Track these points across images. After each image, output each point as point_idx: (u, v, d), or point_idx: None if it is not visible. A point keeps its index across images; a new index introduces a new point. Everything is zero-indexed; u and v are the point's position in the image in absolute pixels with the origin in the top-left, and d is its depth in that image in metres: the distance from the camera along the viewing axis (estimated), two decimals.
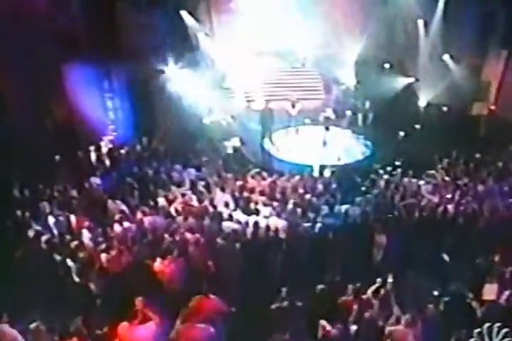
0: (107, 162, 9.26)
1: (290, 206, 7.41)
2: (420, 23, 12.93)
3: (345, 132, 12.35)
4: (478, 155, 9.77)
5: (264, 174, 8.78)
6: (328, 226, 6.90)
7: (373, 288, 4.75)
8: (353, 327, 4.39)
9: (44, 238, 6.43)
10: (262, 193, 8.05)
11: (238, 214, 7.19)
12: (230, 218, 7.03)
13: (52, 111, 10.22)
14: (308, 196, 7.80)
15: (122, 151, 9.71)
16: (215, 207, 7.35)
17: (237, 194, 7.87)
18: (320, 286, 4.88)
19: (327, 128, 11.84)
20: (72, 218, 7.04)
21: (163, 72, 11.38)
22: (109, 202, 7.51)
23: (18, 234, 6.64)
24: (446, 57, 12.76)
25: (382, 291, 4.64)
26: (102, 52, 10.14)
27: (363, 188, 8.27)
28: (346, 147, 11.56)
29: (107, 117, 11.25)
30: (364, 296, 4.66)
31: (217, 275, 6.09)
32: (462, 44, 12.33)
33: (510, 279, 5.08)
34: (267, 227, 6.73)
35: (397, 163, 9.67)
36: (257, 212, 7.21)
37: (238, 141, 11.06)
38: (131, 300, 5.24)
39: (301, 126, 12.33)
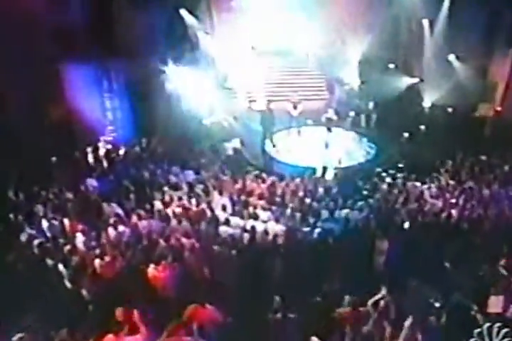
0: (105, 163, 9.12)
1: (289, 210, 7.24)
2: (425, 22, 12.71)
3: (348, 134, 12.14)
4: (483, 158, 9.59)
5: (264, 176, 8.60)
6: (328, 231, 6.72)
7: (373, 300, 4.54)
8: None
9: (36, 242, 6.28)
10: (260, 197, 7.87)
11: (235, 219, 7.02)
12: (227, 222, 6.85)
13: (50, 112, 10.09)
14: (308, 200, 7.62)
15: (120, 152, 9.57)
16: (212, 210, 7.19)
17: (235, 197, 7.70)
18: (316, 298, 4.68)
19: (329, 130, 11.63)
20: (66, 222, 6.90)
21: (163, 71, 11.23)
22: (105, 205, 7.37)
23: (9, 237, 6.49)
24: (451, 57, 12.57)
25: (381, 303, 4.44)
26: (101, 51, 10.02)
27: (365, 192, 8.06)
28: (348, 149, 11.37)
29: (105, 117, 11.10)
30: (362, 309, 4.47)
31: (212, 283, 5.92)
32: (468, 44, 12.09)
33: None
34: (265, 232, 6.56)
35: (400, 166, 9.45)
36: (255, 217, 7.05)
37: (238, 142, 10.88)
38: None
39: (303, 128, 12.13)
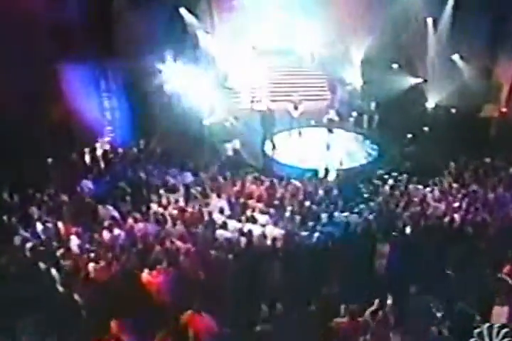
0: (101, 165, 9.00)
1: (288, 213, 7.09)
2: (429, 21, 12.51)
3: (350, 135, 11.97)
4: (488, 160, 9.39)
5: (263, 178, 8.45)
6: (327, 235, 6.56)
7: (371, 309, 4.38)
8: None
9: (28, 245, 6.17)
10: (259, 199, 7.73)
11: (233, 222, 6.88)
12: (225, 226, 6.71)
13: (48, 112, 9.97)
14: (307, 203, 7.47)
15: (118, 153, 9.44)
16: (209, 213, 7.05)
17: (233, 200, 7.56)
18: (312, 307, 4.52)
19: (330, 131, 11.46)
20: (60, 225, 6.78)
21: (162, 71, 11.09)
22: (100, 207, 7.24)
23: (2, 240, 6.38)
24: (455, 57, 12.37)
25: (380, 313, 4.27)
26: (99, 50, 9.91)
27: (366, 195, 7.89)
28: (350, 150, 11.20)
29: (104, 118, 10.98)
30: (360, 319, 4.31)
31: (208, 289, 5.77)
32: (472, 44, 11.89)
33: None
34: (263, 236, 6.42)
35: (402, 168, 9.27)
36: (253, 220, 6.90)
37: (238, 143, 10.74)
38: (116, 314, 5.00)
39: (304, 128, 11.97)
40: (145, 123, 10.83)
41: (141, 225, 6.76)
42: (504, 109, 12.55)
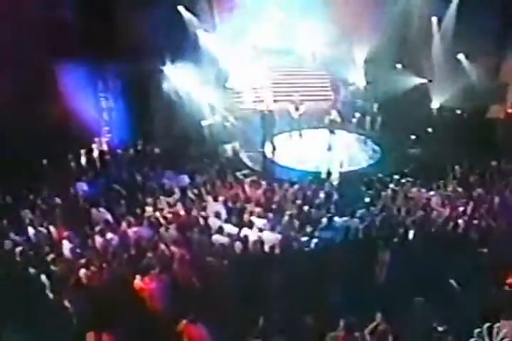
0: (97, 166, 8.86)
1: (286, 218, 6.88)
2: (434, 20, 12.25)
3: (352, 136, 11.74)
4: (494, 163, 9.15)
5: (262, 182, 8.25)
6: (326, 241, 6.36)
7: (371, 327, 4.15)
8: None
9: (18, 249, 6.01)
10: (257, 203, 7.53)
11: (229, 226, 6.69)
12: (221, 231, 6.52)
13: (44, 112, 9.83)
14: (306, 207, 7.26)
15: (114, 155, 9.29)
16: (205, 217, 6.86)
17: (230, 204, 7.37)
18: (308, 320, 4.31)
19: (332, 132, 11.24)
20: (52, 229, 6.63)
21: (161, 71, 10.92)
22: (94, 210, 7.08)
23: None
24: (461, 56, 12.11)
25: (379, 328, 4.05)
26: (97, 50, 9.75)
27: (367, 199, 7.66)
28: (352, 152, 10.97)
29: (101, 118, 10.83)
30: (357, 333, 4.09)
31: (202, 297, 5.59)
32: (478, 43, 11.57)
33: None
34: (260, 242, 6.21)
35: (405, 171, 9.04)
36: (250, 225, 6.70)
37: (238, 144, 10.55)
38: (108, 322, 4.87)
39: (305, 130, 11.76)
40: (143, 124, 10.67)
41: (134, 229, 6.60)
42: (510, 110, 12.30)
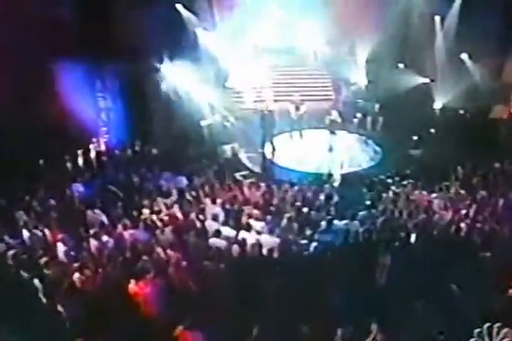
0: (94, 167, 8.75)
1: (285, 220, 6.76)
2: (437, 19, 12.11)
3: (353, 137, 11.60)
4: (497, 165, 8.97)
5: (261, 184, 8.12)
6: (325, 244, 6.23)
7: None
8: None
9: (11, 253, 5.90)
10: (256, 205, 7.40)
11: (227, 230, 6.56)
12: (218, 234, 6.40)
13: (41, 112, 9.73)
14: (305, 209, 7.13)
15: (111, 155, 9.19)
16: (202, 220, 6.75)
17: (228, 206, 7.25)
18: (304, 329, 4.18)
19: (333, 133, 11.10)
20: (47, 231, 6.51)
21: (159, 70, 10.80)
22: (89, 213, 6.97)
23: None
24: (464, 56, 11.97)
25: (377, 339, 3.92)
26: (95, 48, 9.64)
27: (368, 202, 7.53)
28: (353, 153, 10.83)
29: (99, 118, 10.72)
30: None
31: (198, 302, 5.46)
32: (482, 42, 11.42)
33: None
34: (258, 246, 6.08)
35: (406, 173, 8.90)
36: (248, 228, 6.58)
37: (237, 145, 10.43)
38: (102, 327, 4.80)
39: (305, 130, 11.63)
40: (141, 124, 10.56)
41: (130, 232, 6.49)
42: None
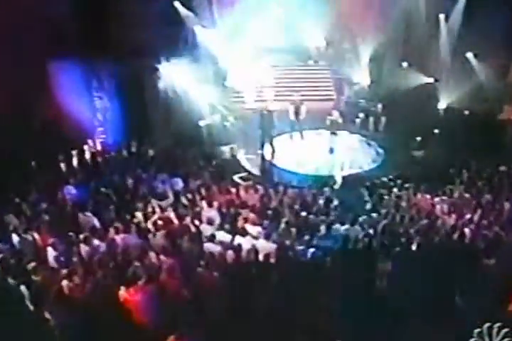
0: (88, 168, 8.57)
1: (283, 225, 6.56)
2: (441, 17, 11.86)
3: (354, 138, 11.39)
4: (503, 168, 8.76)
5: (259, 187, 7.93)
6: (324, 250, 6.03)
7: None
8: None
9: None
10: (253, 209, 7.20)
11: (222, 234, 6.37)
12: (212, 239, 6.21)
13: (36, 112, 9.59)
14: (304, 213, 6.92)
15: (106, 157, 9.02)
16: (197, 225, 6.56)
17: (224, 209, 7.06)
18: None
19: (334, 133, 10.89)
20: (37, 236, 6.35)
21: (157, 69, 10.62)
22: (81, 216, 6.80)
23: None
24: (469, 55, 11.74)
25: None
26: (91, 47, 9.50)
27: (368, 205, 7.32)
28: (354, 155, 10.62)
29: (95, 118, 10.56)
30: None
31: (193, 311, 5.27)
32: (487, 40, 11.16)
33: None
34: (254, 251, 5.89)
35: (409, 175, 8.68)
36: (244, 232, 6.39)
37: (235, 146, 10.24)
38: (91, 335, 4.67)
39: (306, 131, 11.43)
40: (138, 124, 10.38)
41: (122, 236, 6.31)
42: None
